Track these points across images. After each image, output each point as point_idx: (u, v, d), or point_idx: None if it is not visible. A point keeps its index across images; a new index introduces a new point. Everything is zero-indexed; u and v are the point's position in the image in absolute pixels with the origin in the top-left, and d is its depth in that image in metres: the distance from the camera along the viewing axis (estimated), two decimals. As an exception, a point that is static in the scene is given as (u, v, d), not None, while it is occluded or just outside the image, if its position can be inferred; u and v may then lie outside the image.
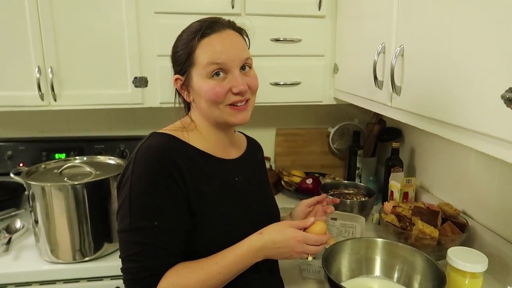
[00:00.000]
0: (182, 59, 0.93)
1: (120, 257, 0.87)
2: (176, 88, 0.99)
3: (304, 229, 0.93)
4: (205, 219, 0.90)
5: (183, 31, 0.95)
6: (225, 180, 0.98)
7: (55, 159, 1.72)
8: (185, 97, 0.97)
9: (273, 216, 1.10)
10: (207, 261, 0.88)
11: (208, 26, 0.91)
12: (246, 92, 0.92)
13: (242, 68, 0.93)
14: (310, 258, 0.94)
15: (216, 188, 0.94)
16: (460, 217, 1.37)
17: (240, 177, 1.01)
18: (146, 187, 0.85)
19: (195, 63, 0.91)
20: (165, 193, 0.86)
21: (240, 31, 0.96)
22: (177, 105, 1.02)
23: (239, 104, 0.92)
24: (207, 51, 0.89)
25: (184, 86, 0.96)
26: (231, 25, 0.94)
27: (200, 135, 0.97)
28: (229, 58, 0.90)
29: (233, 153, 1.04)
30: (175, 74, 0.97)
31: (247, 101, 0.94)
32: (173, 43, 0.96)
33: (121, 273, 0.86)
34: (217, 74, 0.90)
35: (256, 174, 1.10)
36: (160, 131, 0.96)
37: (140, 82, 1.57)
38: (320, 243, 0.92)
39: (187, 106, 1.01)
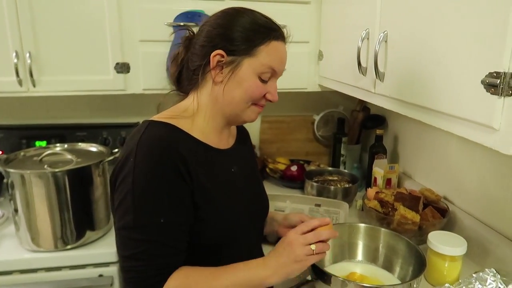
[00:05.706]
0: (240, 42, 0.88)
1: (120, 255, 0.83)
2: (181, 68, 0.97)
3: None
4: (206, 212, 0.88)
5: (244, 15, 0.90)
6: (223, 171, 0.97)
7: (35, 146, 1.68)
8: (213, 75, 0.90)
9: (265, 205, 1.11)
10: (218, 273, 0.86)
11: (280, 33, 0.94)
12: None
13: None
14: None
15: (216, 180, 0.92)
16: (441, 202, 1.40)
17: (235, 167, 1.00)
18: (151, 182, 0.81)
19: (254, 55, 0.89)
20: (171, 187, 0.83)
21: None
22: (184, 90, 1.00)
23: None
24: (273, 54, 0.91)
25: (221, 64, 0.90)
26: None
27: (195, 124, 0.93)
28: (280, 70, 0.95)
29: (227, 143, 1.02)
30: (215, 48, 0.89)
31: None
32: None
33: (122, 271, 0.83)
34: (265, 77, 0.93)
35: (247, 163, 1.09)
36: (156, 119, 0.90)
37: (122, 68, 1.53)
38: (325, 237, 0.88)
39: (195, 87, 0.96)
